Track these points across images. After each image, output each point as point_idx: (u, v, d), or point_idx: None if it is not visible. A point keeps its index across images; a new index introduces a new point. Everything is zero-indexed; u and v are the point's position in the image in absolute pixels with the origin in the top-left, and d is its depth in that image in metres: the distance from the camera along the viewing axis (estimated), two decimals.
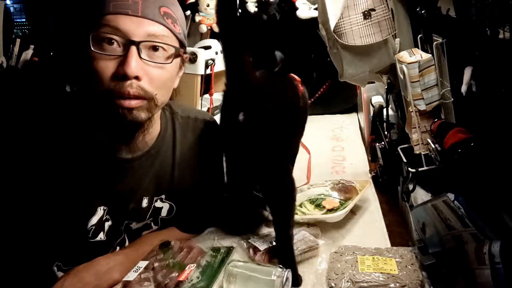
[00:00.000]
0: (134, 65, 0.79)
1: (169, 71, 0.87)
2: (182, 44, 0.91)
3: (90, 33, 0.79)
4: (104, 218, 0.91)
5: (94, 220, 0.89)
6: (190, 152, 1.02)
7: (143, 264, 0.87)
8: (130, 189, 0.93)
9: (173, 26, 0.87)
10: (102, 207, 0.90)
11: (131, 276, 0.84)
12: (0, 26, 1.64)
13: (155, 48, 0.84)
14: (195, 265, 0.89)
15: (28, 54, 1.79)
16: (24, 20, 2.47)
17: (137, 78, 0.80)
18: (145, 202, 0.96)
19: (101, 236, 0.91)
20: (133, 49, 0.80)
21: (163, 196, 0.99)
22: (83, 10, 0.85)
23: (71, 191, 0.86)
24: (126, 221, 0.96)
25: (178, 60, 0.90)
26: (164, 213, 1.01)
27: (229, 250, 0.99)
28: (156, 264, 0.87)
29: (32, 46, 1.81)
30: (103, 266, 0.87)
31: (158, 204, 0.99)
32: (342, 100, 2.22)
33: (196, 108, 1.66)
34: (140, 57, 0.81)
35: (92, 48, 0.79)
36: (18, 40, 1.80)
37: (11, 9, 2.44)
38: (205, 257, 0.94)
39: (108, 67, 0.80)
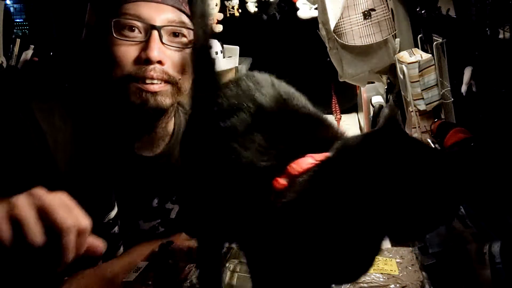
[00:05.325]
0: (157, 49, 0.79)
1: (190, 57, 0.86)
2: None
3: (110, 20, 0.79)
4: (119, 213, 0.90)
5: (112, 214, 0.88)
6: None
7: (143, 264, 0.87)
8: (144, 187, 0.92)
9: None
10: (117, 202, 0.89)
11: (131, 276, 0.84)
12: (0, 26, 1.64)
13: (175, 34, 0.84)
14: (195, 265, 0.89)
15: (28, 54, 1.78)
16: (24, 20, 2.47)
17: (160, 62, 0.80)
18: (155, 202, 0.95)
19: (116, 229, 0.90)
20: (155, 33, 0.80)
21: (174, 198, 0.98)
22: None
23: (90, 185, 0.84)
24: (134, 219, 0.95)
25: None
26: (173, 215, 1.00)
27: (229, 250, 0.99)
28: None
29: (32, 46, 1.81)
30: (109, 273, 0.87)
31: (169, 205, 0.98)
32: (342, 100, 2.23)
33: None
34: (162, 42, 0.81)
35: (114, 35, 0.79)
36: (18, 40, 1.80)
37: (11, 9, 2.44)
38: None
39: (130, 52, 0.79)
